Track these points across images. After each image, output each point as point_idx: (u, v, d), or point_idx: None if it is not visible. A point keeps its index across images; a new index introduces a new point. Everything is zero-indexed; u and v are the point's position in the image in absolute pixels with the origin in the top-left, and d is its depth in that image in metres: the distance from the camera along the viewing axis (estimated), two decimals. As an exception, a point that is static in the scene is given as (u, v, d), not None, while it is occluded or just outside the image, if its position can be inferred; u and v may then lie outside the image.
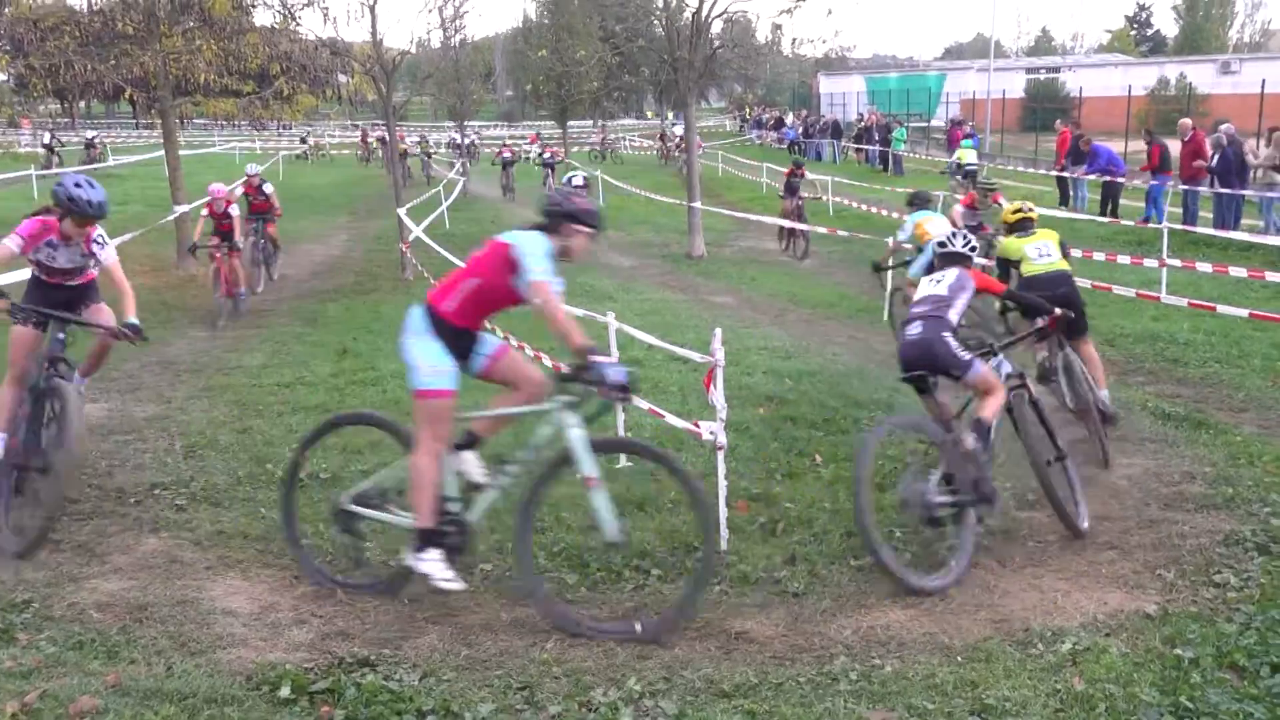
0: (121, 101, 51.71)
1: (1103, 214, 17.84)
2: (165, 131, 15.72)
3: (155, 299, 12.87)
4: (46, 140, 30.07)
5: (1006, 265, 7.17)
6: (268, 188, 13.99)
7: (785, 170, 18.69)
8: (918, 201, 10.72)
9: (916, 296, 5.73)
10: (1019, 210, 7.39)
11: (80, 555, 4.97)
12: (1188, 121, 17.76)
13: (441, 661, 4.03)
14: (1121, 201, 19.00)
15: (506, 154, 29.47)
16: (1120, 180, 18.82)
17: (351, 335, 10.50)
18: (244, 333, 11.05)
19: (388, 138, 21.77)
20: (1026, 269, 6.97)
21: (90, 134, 36.72)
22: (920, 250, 9.25)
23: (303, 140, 42.95)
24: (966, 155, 31.06)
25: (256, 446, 6.71)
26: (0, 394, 5.33)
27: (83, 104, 60.95)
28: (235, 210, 12.37)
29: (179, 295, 13.18)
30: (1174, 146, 17.65)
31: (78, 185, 5.37)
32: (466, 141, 35.47)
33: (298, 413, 7.55)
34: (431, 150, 36.37)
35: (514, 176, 28.21)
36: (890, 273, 10.84)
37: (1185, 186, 16.81)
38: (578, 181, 16.72)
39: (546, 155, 29.55)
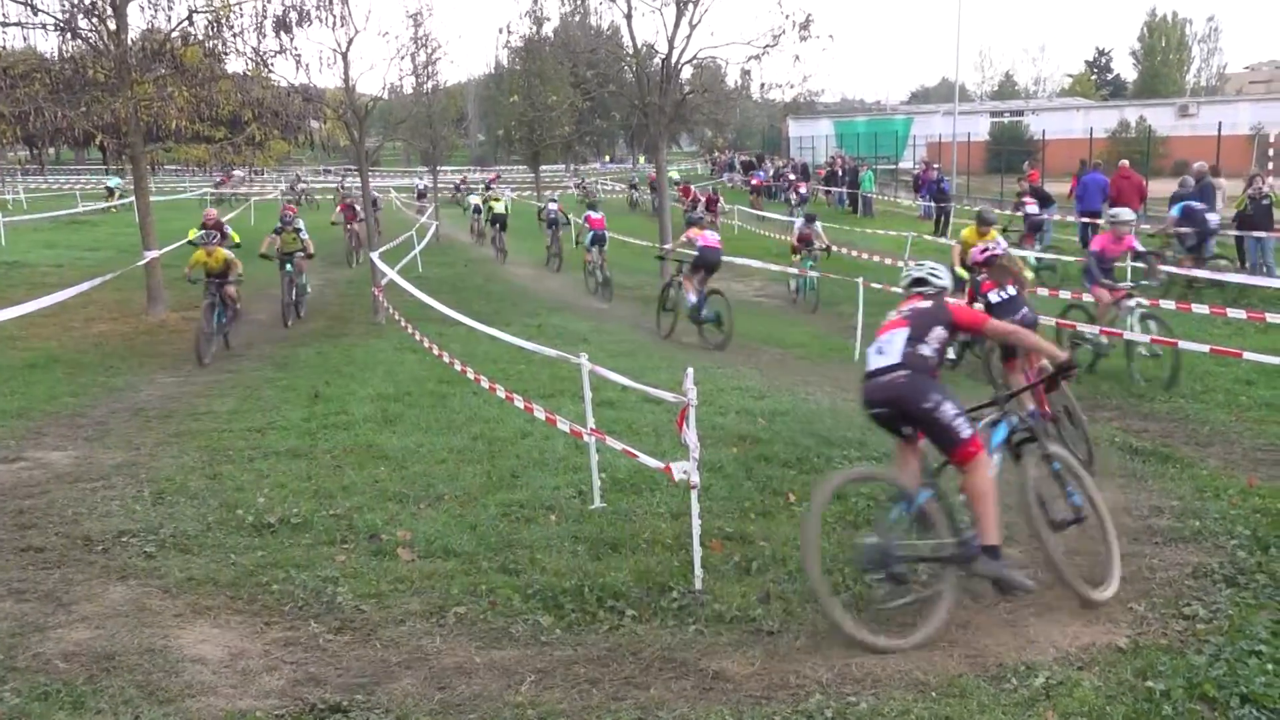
0: (92, 148, 51.88)
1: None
2: (136, 178, 15.69)
3: (124, 345, 12.78)
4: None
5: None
6: None
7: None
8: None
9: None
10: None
11: (46, 604, 4.90)
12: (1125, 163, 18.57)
13: (415, 706, 3.99)
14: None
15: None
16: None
17: (324, 379, 10.44)
18: (214, 378, 10.97)
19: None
20: None
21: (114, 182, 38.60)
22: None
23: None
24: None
25: (227, 492, 6.65)
26: None
27: (51, 150, 60.92)
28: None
29: (149, 341, 13.08)
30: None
31: None
32: (466, 189, 34.04)
33: (269, 458, 7.49)
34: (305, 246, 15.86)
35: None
36: None
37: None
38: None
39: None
